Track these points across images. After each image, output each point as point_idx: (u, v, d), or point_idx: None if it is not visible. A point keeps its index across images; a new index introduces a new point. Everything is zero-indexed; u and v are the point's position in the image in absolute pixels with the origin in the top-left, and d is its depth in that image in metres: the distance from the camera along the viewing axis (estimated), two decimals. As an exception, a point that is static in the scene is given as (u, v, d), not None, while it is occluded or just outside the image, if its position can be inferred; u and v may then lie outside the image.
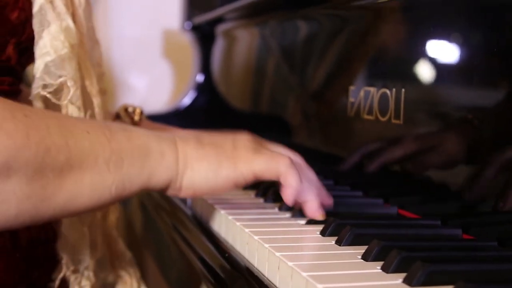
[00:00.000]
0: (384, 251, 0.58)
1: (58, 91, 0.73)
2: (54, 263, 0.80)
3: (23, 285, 0.79)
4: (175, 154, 0.66)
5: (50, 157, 0.56)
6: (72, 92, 0.73)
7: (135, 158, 0.63)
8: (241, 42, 1.39)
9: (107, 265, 0.85)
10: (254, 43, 1.32)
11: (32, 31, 0.73)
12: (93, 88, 0.80)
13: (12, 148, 0.54)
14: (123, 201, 1.30)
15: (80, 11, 0.76)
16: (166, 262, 0.99)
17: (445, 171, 0.74)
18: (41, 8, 0.72)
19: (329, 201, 0.74)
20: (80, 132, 0.60)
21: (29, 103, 0.73)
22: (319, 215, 0.71)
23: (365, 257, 0.59)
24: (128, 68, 1.82)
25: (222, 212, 0.76)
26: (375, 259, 0.58)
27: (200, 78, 1.56)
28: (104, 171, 0.60)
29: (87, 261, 0.81)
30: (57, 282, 0.79)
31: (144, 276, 1.71)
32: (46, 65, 0.72)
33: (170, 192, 0.68)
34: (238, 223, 0.71)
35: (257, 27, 1.29)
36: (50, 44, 0.72)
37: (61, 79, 0.72)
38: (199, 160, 0.66)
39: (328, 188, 0.91)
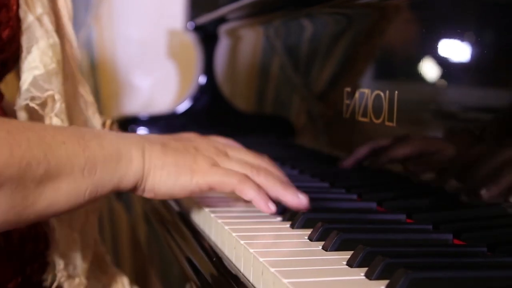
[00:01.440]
0: (370, 257, 0.57)
1: (43, 104, 0.77)
2: (43, 260, 0.82)
3: (17, 281, 0.81)
4: (142, 160, 0.71)
5: (31, 170, 0.61)
6: (58, 105, 0.77)
7: (107, 164, 0.68)
8: (244, 42, 1.38)
9: (95, 269, 0.86)
10: (257, 42, 1.31)
11: (15, 47, 0.78)
12: (89, 96, 0.83)
13: None
14: (128, 210, 1.31)
15: (66, 20, 0.79)
16: (163, 267, 0.98)
17: (438, 176, 0.73)
18: (29, 25, 0.76)
19: (296, 201, 0.74)
20: (57, 143, 0.64)
21: (13, 111, 0.77)
22: (267, 209, 0.74)
23: (350, 263, 0.58)
24: (133, 68, 1.82)
25: (212, 215, 0.76)
26: (360, 265, 0.57)
27: (203, 78, 1.56)
28: (79, 178, 0.65)
29: (80, 266, 0.81)
30: None
31: (147, 281, 1.71)
32: (35, 78, 0.76)
33: (136, 193, 0.73)
34: (226, 227, 0.70)
35: (260, 26, 1.29)
36: (40, 59, 0.76)
37: (48, 93, 0.77)
38: (161, 168, 0.71)
39: (324, 191, 0.91)
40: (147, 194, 0.72)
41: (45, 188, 0.63)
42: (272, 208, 0.74)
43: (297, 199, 0.74)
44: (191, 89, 1.58)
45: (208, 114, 1.53)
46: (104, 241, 0.92)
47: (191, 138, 0.80)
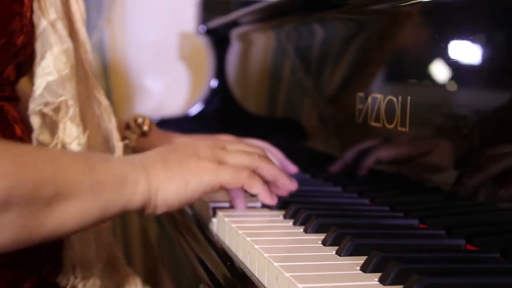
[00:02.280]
0: (383, 262, 0.57)
1: (57, 109, 0.78)
2: (59, 262, 0.83)
3: (33, 281, 0.81)
4: (147, 180, 0.71)
5: (41, 190, 0.62)
6: (72, 110, 0.77)
7: (114, 186, 0.68)
8: (256, 45, 1.39)
9: (109, 269, 0.86)
10: (268, 46, 1.32)
11: (30, 51, 0.78)
12: (104, 100, 0.84)
13: (10, 186, 0.59)
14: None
15: (80, 25, 0.79)
16: (175, 268, 0.99)
17: (451, 180, 0.74)
18: (44, 31, 0.77)
19: (291, 186, 0.80)
20: (65, 165, 0.65)
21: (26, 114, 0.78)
22: (271, 201, 0.78)
23: (364, 268, 0.58)
24: (144, 71, 1.83)
25: (226, 220, 0.76)
26: (374, 270, 0.58)
27: (215, 81, 1.57)
28: (87, 199, 0.66)
29: (94, 267, 0.82)
30: None
31: (158, 281, 1.72)
32: (48, 84, 0.76)
33: (147, 212, 0.73)
34: (240, 232, 0.71)
35: (271, 30, 1.29)
36: (53, 64, 0.76)
37: (62, 98, 0.77)
38: (168, 180, 0.72)
39: (336, 195, 0.91)
40: (160, 210, 0.72)
41: (55, 208, 0.63)
42: (275, 200, 0.78)
43: (291, 182, 0.80)
44: (203, 92, 1.59)
45: (220, 117, 1.54)
46: (116, 241, 0.93)
47: (187, 144, 0.79)
